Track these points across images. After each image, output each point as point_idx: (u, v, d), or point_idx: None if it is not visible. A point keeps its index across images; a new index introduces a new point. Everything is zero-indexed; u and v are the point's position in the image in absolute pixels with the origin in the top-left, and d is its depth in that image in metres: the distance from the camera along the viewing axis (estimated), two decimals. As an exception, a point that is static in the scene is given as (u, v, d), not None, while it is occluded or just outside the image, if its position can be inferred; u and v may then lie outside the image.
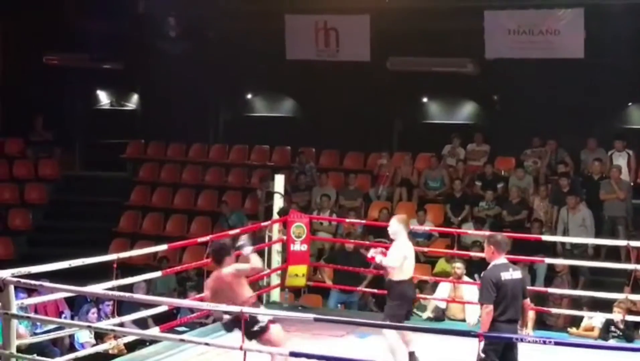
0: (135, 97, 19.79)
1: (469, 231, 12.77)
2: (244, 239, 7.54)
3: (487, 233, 12.17)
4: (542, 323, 11.31)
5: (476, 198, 14.49)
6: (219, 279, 7.26)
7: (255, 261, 7.46)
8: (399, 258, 8.43)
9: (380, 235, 13.73)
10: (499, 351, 7.01)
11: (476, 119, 17.57)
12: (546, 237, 11.94)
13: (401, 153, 16.28)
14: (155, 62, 16.94)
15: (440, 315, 10.98)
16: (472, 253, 11.48)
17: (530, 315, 8.98)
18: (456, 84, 16.50)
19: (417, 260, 13.46)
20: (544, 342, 6.19)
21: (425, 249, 12.74)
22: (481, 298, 7.19)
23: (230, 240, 7.87)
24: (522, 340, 6.63)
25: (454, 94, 17.49)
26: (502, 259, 7.27)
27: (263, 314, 7.27)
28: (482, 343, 6.62)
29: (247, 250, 7.42)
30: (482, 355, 6.75)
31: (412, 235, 13.61)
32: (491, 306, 7.04)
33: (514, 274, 7.20)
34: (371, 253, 8.56)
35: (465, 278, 11.08)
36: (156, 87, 17.69)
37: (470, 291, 10.88)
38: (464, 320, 10.82)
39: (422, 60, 16.04)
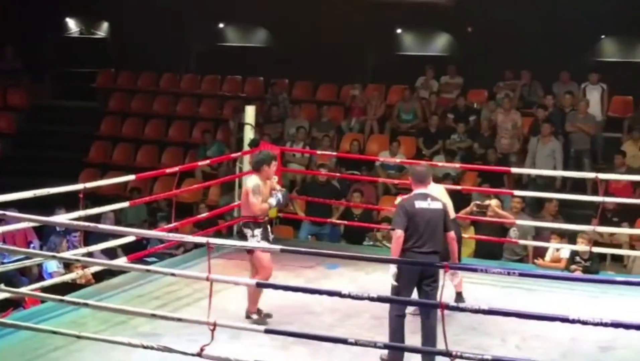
0: (105, 25, 19.46)
1: (440, 163, 12.75)
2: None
3: (458, 165, 12.33)
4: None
5: (448, 130, 14.46)
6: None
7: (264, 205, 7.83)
8: None
9: (351, 167, 13.75)
10: (414, 280, 6.76)
11: (449, 51, 17.46)
12: (515, 170, 11.97)
13: (374, 85, 16.19)
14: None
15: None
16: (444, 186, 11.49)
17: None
18: (430, 15, 16.33)
19: (388, 191, 13.62)
20: (508, 273, 6.09)
21: (396, 181, 12.80)
22: (392, 223, 6.89)
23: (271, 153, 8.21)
24: (486, 271, 6.61)
25: (427, 26, 17.33)
26: (422, 189, 6.96)
27: (230, 245, 7.27)
28: (395, 269, 6.68)
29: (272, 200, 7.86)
30: (395, 282, 6.71)
31: (384, 167, 13.73)
32: (400, 232, 6.71)
33: (432, 204, 6.83)
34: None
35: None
36: (127, 15, 17.40)
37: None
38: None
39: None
